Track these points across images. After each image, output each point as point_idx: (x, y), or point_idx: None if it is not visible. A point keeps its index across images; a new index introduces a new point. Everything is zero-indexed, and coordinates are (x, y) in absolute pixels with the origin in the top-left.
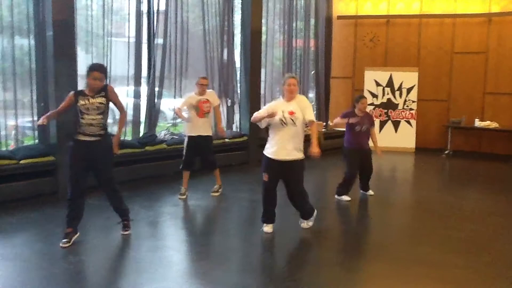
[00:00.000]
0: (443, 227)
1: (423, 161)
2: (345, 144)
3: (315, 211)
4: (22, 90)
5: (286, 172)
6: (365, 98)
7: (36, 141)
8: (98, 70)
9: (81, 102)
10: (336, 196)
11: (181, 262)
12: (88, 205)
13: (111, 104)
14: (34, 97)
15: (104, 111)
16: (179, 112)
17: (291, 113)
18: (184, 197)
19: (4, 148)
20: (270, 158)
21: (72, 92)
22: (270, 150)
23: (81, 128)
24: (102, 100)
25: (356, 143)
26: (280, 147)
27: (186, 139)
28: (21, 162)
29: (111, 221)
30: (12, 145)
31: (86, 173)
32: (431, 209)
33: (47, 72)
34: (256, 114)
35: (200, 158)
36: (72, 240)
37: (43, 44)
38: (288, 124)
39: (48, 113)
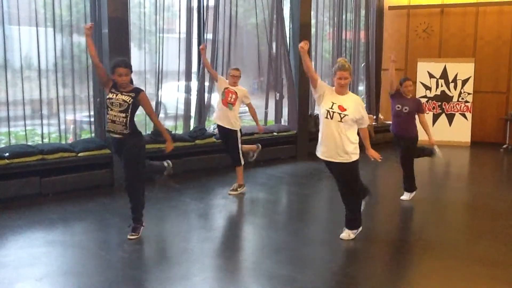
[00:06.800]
0: (501, 225)
1: (480, 156)
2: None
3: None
4: (80, 86)
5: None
6: (409, 80)
7: (93, 134)
8: (121, 65)
9: (109, 95)
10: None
11: (231, 253)
12: None
13: (163, 99)
14: (91, 93)
15: (128, 110)
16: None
17: (342, 108)
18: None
19: (63, 142)
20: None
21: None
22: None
23: (107, 124)
24: (127, 98)
25: (395, 126)
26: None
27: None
28: (80, 154)
29: (163, 212)
30: (71, 139)
31: None
32: (488, 206)
33: None
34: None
35: (226, 150)
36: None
37: (99, 41)
38: (334, 119)
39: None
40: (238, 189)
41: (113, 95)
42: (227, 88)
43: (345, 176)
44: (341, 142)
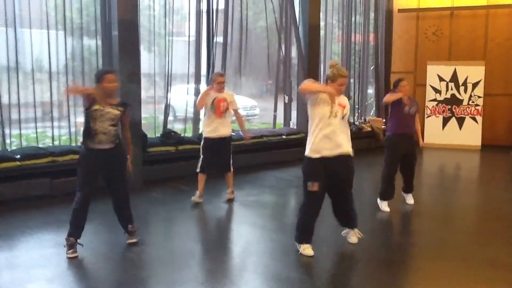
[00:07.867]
0: None
1: (490, 159)
2: (389, 131)
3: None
4: None
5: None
6: (405, 80)
7: None
8: (109, 72)
9: (96, 107)
10: (378, 200)
11: (239, 256)
12: (151, 197)
13: (172, 101)
14: None
15: (118, 123)
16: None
17: (341, 106)
18: (200, 200)
19: (74, 144)
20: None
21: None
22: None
23: (96, 136)
24: (117, 113)
25: (403, 127)
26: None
27: (202, 141)
28: None
29: (172, 214)
30: (80, 141)
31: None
32: (499, 209)
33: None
34: (310, 84)
35: (216, 159)
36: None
37: (109, 43)
38: (337, 117)
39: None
40: (232, 195)
41: (100, 107)
42: (215, 98)
43: (351, 170)
44: (345, 136)
